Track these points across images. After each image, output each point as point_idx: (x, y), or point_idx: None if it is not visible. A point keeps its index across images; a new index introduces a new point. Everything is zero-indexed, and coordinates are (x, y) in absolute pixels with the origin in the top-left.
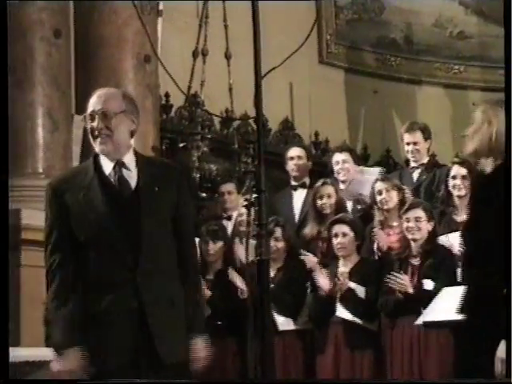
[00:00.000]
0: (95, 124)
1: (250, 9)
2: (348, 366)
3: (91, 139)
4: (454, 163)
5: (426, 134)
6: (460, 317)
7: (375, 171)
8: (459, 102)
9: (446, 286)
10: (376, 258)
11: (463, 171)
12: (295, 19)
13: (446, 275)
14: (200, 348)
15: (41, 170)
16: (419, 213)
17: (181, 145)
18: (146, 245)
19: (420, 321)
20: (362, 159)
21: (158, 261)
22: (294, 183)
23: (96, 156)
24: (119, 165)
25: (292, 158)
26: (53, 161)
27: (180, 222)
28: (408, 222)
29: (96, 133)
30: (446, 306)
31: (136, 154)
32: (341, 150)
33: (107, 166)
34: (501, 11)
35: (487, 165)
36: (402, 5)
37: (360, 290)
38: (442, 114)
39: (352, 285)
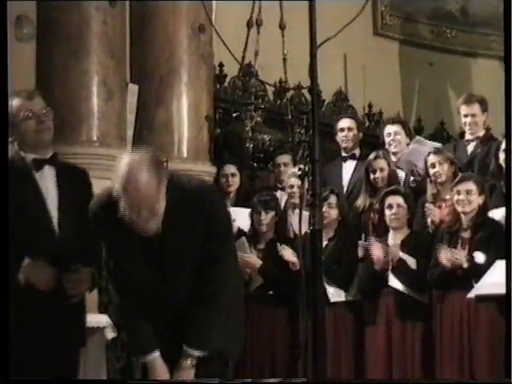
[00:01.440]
0: None
1: None
2: (398, 338)
3: None
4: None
5: (484, 106)
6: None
7: (433, 144)
8: None
9: (498, 259)
10: (428, 231)
11: None
12: None
13: (497, 248)
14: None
15: (95, 138)
16: (470, 186)
17: (234, 115)
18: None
19: (472, 294)
20: (415, 131)
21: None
22: (344, 154)
23: None
24: None
25: (342, 130)
26: (107, 129)
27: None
28: (459, 194)
29: None
30: (499, 279)
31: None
32: (392, 121)
33: None
34: None
35: None
36: None
37: (411, 262)
38: (497, 88)
39: (403, 256)
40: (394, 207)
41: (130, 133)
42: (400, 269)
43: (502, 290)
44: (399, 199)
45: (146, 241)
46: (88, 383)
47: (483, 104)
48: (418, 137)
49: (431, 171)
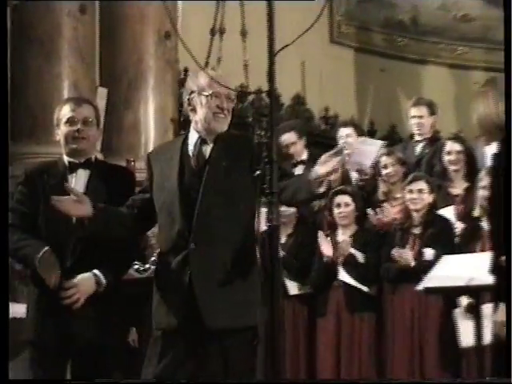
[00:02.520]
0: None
1: None
2: (348, 329)
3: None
4: (448, 139)
5: (431, 109)
6: (459, 283)
7: (377, 143)
8: (462, 81)
9: (446, 255)
10: (379, 227)
11: (457, 147)
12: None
13: (445, 244)
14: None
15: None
16: (422, 185)
17: None
18: (200, 215)
19: (421, 287)
20: (369, 133)
21: (211, 230)
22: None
23: (187, 132)
24: (201, 140)
25: (287, 146)
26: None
27: None
28: (411, 193)
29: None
30: (446, 273)
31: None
32: (345, 124)
33: (192, 140)
34: None
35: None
36: None
37: (360, 256)
38: (445, 93)
39: (352, 250)
40: (341, 206)
41: None
42: (350, 263)
43: (449, 283)
44: (347, 198)
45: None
46: (87, 383)
47: (431, 107)
48: (362, 137)
49: (383, 172)
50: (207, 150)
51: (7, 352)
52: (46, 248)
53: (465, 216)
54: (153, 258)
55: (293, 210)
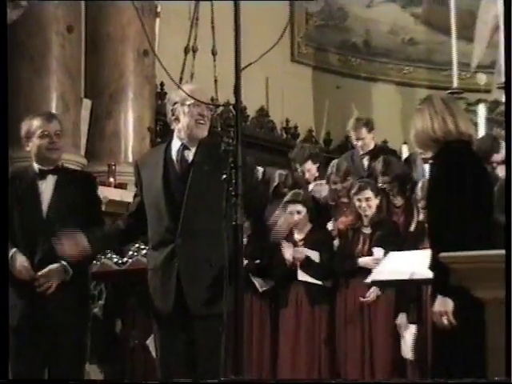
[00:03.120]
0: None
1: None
2: (309, 320)
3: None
4: (383, 155)
5: (369, 126)
6: (402, 277)
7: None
8: (408, 97)
9: (392, 251)
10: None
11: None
12: (272, 23)
13: (392, 243)
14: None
15: None
16: (368, 193)
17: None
18: (186, 214)
19: (369, 280)
20: (325, 143)
21: (195, 227)
22: None
23: (170, 140)
24: (183, 146)
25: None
26: (64, 137)
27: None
28: (360, 201)
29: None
30: (392, 267)
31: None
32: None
33: (175, 146)
34: (445, 21)
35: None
36: (362, 14)
37: (315, 256)
38: (393, 108)
39: (308, 252)
40: (294, 214)
41: (83, 140)
42: (307, 265)
43: (394, 277)
44: (299, 207)
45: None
46: (87, 383)
47: (369, 125)
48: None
49: (333, 186)
50: (189, 155)
51: (7, 352)
52: (14, 249)
53: (407, 222)
54: (130, 253)
55: None
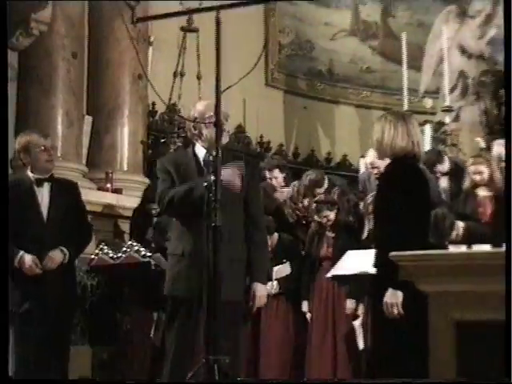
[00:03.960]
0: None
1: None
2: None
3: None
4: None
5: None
6: (356, 272)
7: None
8: (365, 118)
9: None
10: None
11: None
12: (249, 52)
13: (350, 245)
14: (260, 291)
15: (59, 155)
16: (327, 212)
17: (162, 140)
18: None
19: (329, 275)
20: (294, 156)
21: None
22: None
23: (194, 145)
24: (209, 152)
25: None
26: (68, 148)
27: (250, 197)
28: (321, 218)
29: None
30: (348, 264)
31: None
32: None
33: (201, 154)
34: (398, 53)
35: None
36: (327, 46)
37: (287, 269)
38: (352, 127)
39: (280, 271)
40: None
41: (85, 151)
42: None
43: (350, 272)
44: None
45: None
46: (87, 383)
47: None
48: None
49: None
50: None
51: (7, 352)
52: (21, 252)
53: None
54: (124, 249)
55: None
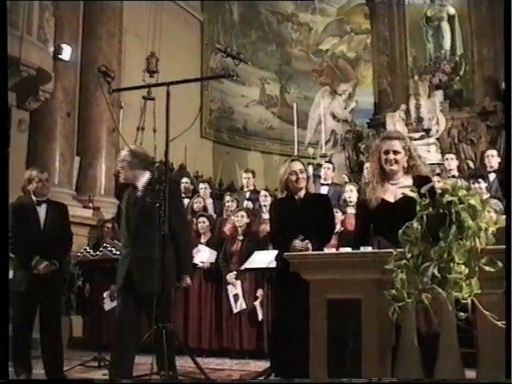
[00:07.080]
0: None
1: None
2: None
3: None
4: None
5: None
6: (260, 265)
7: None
8: (268, 161)
9: (258, 251)
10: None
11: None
12: (189, 113)
13: (258, 246)
14: (187, 281)
15: (56, 183)
16: (243, 213)
17: None
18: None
19: (242, 268)
20: (219, 185)
21: (145, 244)
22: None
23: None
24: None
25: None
26: (63, 178)
27: (173, 216)
28: (237, 217)
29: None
30: (255, 260)
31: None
32: (202, 182)
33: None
34: (291, 117)
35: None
36: (243, 111)
37: (214, 255)
38: (260, 167)
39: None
40: (201, 223)
41: (74, 181)
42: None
43: (255, 266)
44: (203, 218)
45: None
46: (87, 383)
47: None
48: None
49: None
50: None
51: (7, 352)
52: (38, 257)
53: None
54: (101, 249)
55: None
